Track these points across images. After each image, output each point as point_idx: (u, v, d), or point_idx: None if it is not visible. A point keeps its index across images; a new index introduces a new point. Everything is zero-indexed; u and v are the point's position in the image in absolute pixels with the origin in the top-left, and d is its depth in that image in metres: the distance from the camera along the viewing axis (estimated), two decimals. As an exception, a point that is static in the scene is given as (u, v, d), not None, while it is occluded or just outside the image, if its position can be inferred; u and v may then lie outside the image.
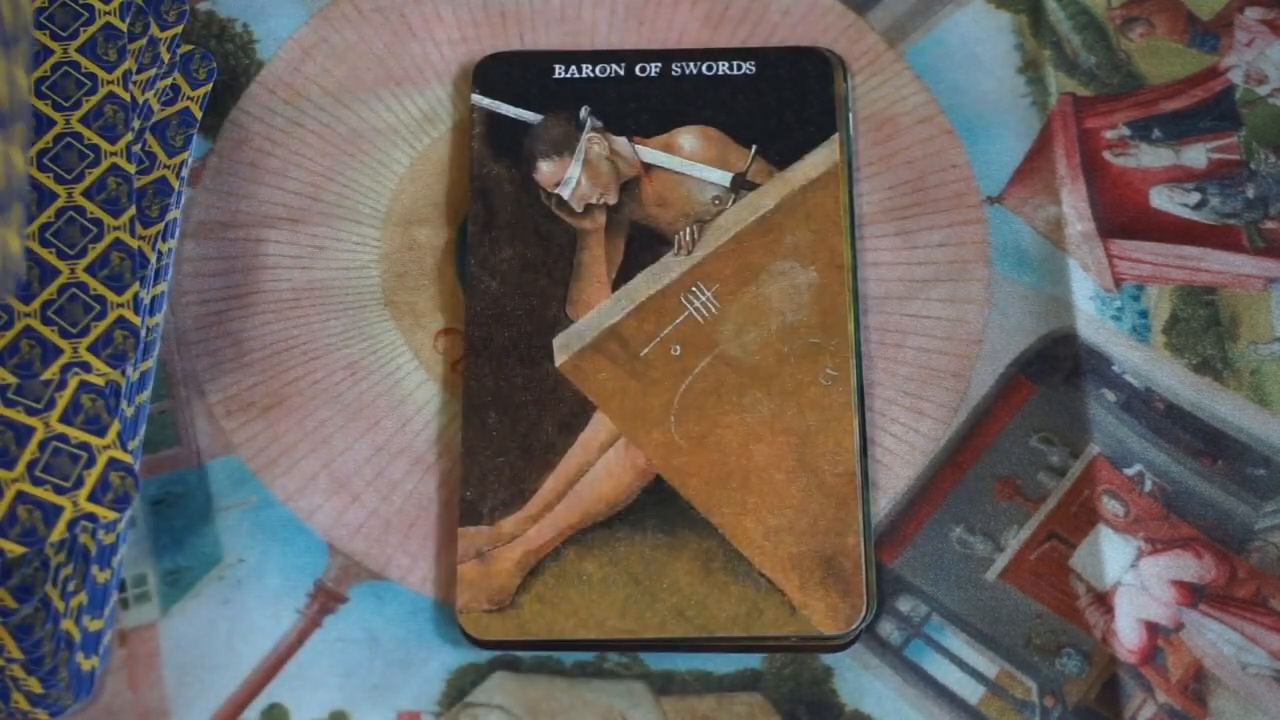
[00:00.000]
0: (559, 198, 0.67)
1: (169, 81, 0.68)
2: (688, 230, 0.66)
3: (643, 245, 0.66)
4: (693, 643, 0.61)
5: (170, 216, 0.65)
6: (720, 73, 0.70)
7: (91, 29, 0.64)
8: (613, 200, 0.67)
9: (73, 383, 0.56)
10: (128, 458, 0.55)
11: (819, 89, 0.69)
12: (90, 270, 0.59)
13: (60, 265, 0.59)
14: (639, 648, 0.61)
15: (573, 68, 0.70)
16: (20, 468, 0.54)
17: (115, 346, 0.58)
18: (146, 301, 0.63)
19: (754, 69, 0.70)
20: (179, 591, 0.62)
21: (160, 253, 0.64)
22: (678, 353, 0.64)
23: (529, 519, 0.62)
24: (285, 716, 0.61)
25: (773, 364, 0.64)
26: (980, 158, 0.70)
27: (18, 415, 0.55)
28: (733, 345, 0.64)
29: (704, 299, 0.65)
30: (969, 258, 0.68)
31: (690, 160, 0.68)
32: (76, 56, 0.63)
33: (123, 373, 0.57)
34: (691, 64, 0.70)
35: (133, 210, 0.61)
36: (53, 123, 0.62)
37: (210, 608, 0.62)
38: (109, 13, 0.65)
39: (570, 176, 0.67)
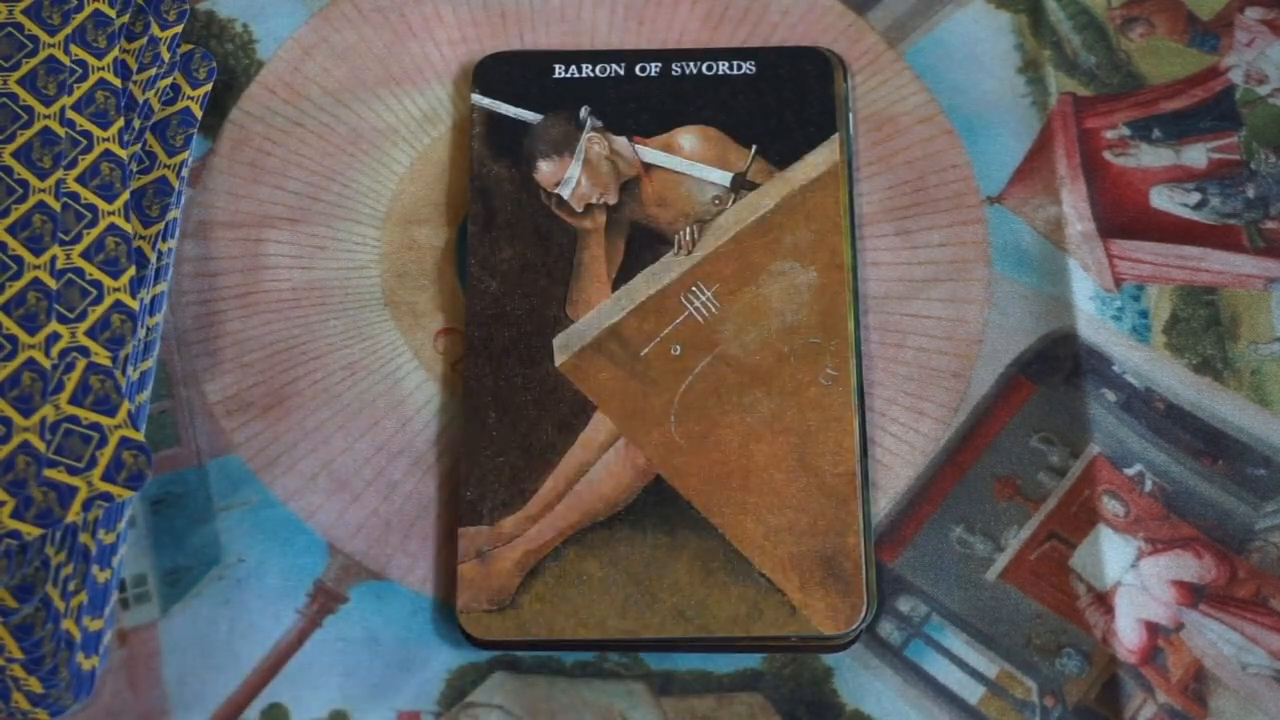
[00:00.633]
0: (559, 197, 0.67)
1: (169, 81, 0.68)
2: (688, 230, 0.66)
3: (643, 245, 0.66)
4: (693, 643, 0.61)
5: (170, 216, 0.65)
6: (720, 73, 0.70)
7: (81, 16, 0.65)
8: (613, 200, 0.67)
9: (79, 365, 0.56)
10: (139, 436, 0.55)
11: (819, 89, 0.69)
12: (86, 255, 0.59)
13: (57, 251, 0.59)
14: (639, 648, 0.61)
15: (573, 68, 0.70)
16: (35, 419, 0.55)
17: (113, 331, 0.58)
18: (146, 301, 0.63)
19: (754, 69, 0.70)
20: (179, 591, 0.62)
21: (160, 252, 0.64)
22: (678, 352, 0.64)
23: (529, 519, 0.62)
24: (285, 716, 0.61)
25: (773, 364, 0.64)
26: (980, 158, 0.70)
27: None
28: (733, 345, 0.64)
29: (704, 299, 0.65)
30: (969, 258, 0.68)
31: (690, 160, 0.68)
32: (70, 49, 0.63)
33: (117, 357, 0.57)
34: (691, 64, 0.70)
35: (126, 195, 0.61)
36: (44, 113, 0.62)
37: (210, 608, 0.62)
38: (98, 1, 0.65)
39: (570, 176, 0.67)
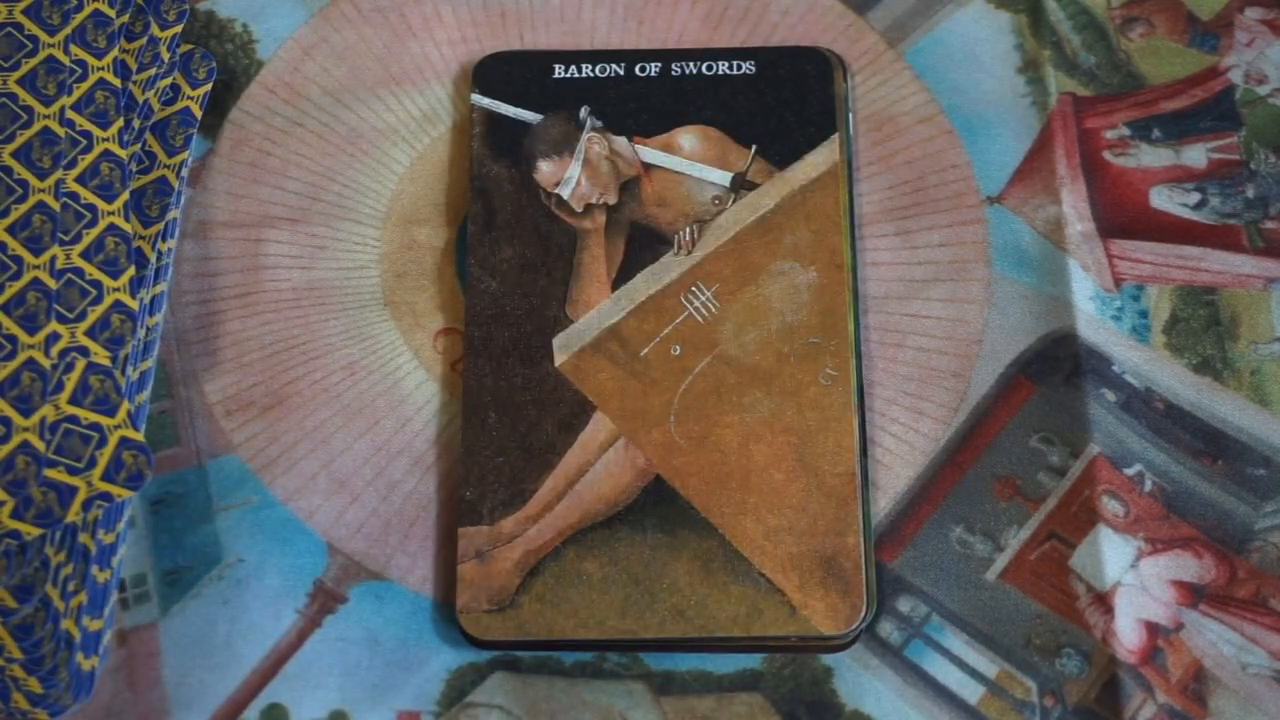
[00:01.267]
0: (559, 197, 0.67)
1: (169, 81, 0.68)
2: (687, 230, 0.66)
3: (643, 245, 0.66)
4: (693, 643, 0.61)
5: (170, 216, 0.65)
6: (720, 72, 0.70)
7: (80, 16, 0.65)
8: (612, 200, 0.67)
9: (79, 365, 0.56)
10: (139, 436, 0.55)
11: (819, 89, 0.69)
12: (85, 255, 0.59)
13: (56, 251, 0.59)
14: (639, 648, 0.61)
15: (573, 68, 0.70)
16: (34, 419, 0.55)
17: (113, 331, 0.58)
18: (146, 301, 0.63)
19: (754, 69, 0.70)
20: (179, 591, 0.62)
21: (160, 252, 0.64)
22: (677, 352, 0.64)
23: (529, 519, 0.62)
24: (285, 716, 0.61)
25: (773, 364, 0.64)
26: (980, 158, 0.70)
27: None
28: (732, 345, 0.64)
29: (704, 299, 0.65)
30: (969, 258, 0.68)
31: (690, 160, 0.68)
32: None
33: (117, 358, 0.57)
34: (691, 64, 0.70)
35: (126, 195, 0.61)
36: (44, 113, 0.62)
37: (210, 608, 0.62)
38: (98, 1, 0.65)
39: (570, 176, 0.67)
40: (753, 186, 0.67)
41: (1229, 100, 0.71)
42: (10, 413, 0.55)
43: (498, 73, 0.70)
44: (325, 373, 0.66)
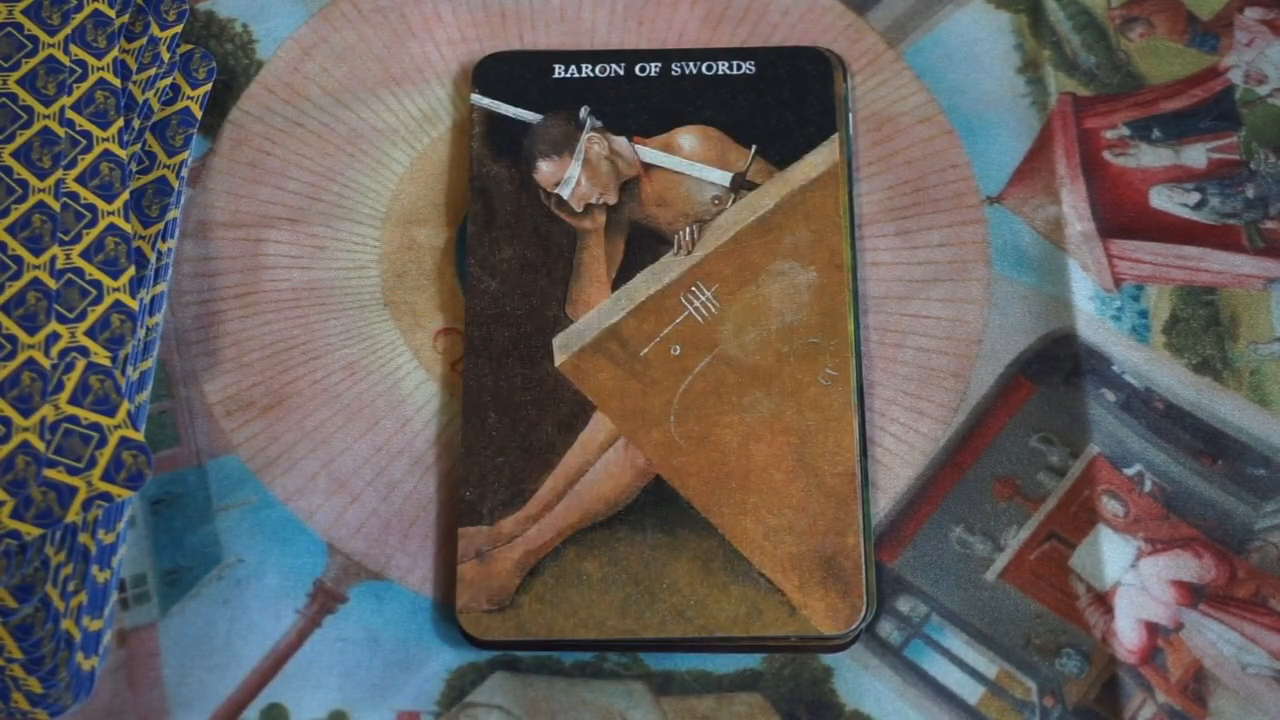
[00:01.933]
0: (559, 197, 0.67)
1: (169, 81, 0.68)
2: (687, 230, 0.66)
3: (642, 245, 0.66)
4: (693, 643, 0.61)
5: (170, 216, 0.65)
6: (720, 72, 0.70)
7: (80, 16, 0.65)
8: (612, 200, 0.67)
9: (79, 365, 0.56)
10: (139, 436, 0.55)
11: (819, 89, 0.69)
12: (85, 255, 0.59)
13: (56, 251, 0.59)
14: (639, 648, 0.61)
15: (572, 68, 0.70)
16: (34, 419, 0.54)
17: (113, 331, 0.58)
18: (146, 301, 0.63)
19: (754, 69, 0.70)
20: (179, 591, 0.62)
21: (160, 252, 0.64)
22: (677, 352, 0.64)
23: (529, 519, 0.62)
24: (285, 716, 0.61)
25: (772, 364, 0.64)
26: (980, 158, 0.70)
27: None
28: (732, 345, 0.64)
29: (704, 299, 0.65)
30: (969, 258, 0.68)
31: (690, 160, 0.68)
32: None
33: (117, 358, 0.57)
34: (691, 64, 0.70)
35: (126, 195, 0.61)
36: (44, 113, 0.62)
37: (210, 608, 0.62)
38: (98, 1, 0.65)
39: (570, 176, 0.67)
40: (753, 186, 0.67)
41: (1229, 100, 0.71)
42: (10, 413, 0.55)
43: (498, 73, 0.70)
44: (325, 373, 0.66)
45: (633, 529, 0.62)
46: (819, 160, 0.68)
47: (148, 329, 0.63)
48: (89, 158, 0.62)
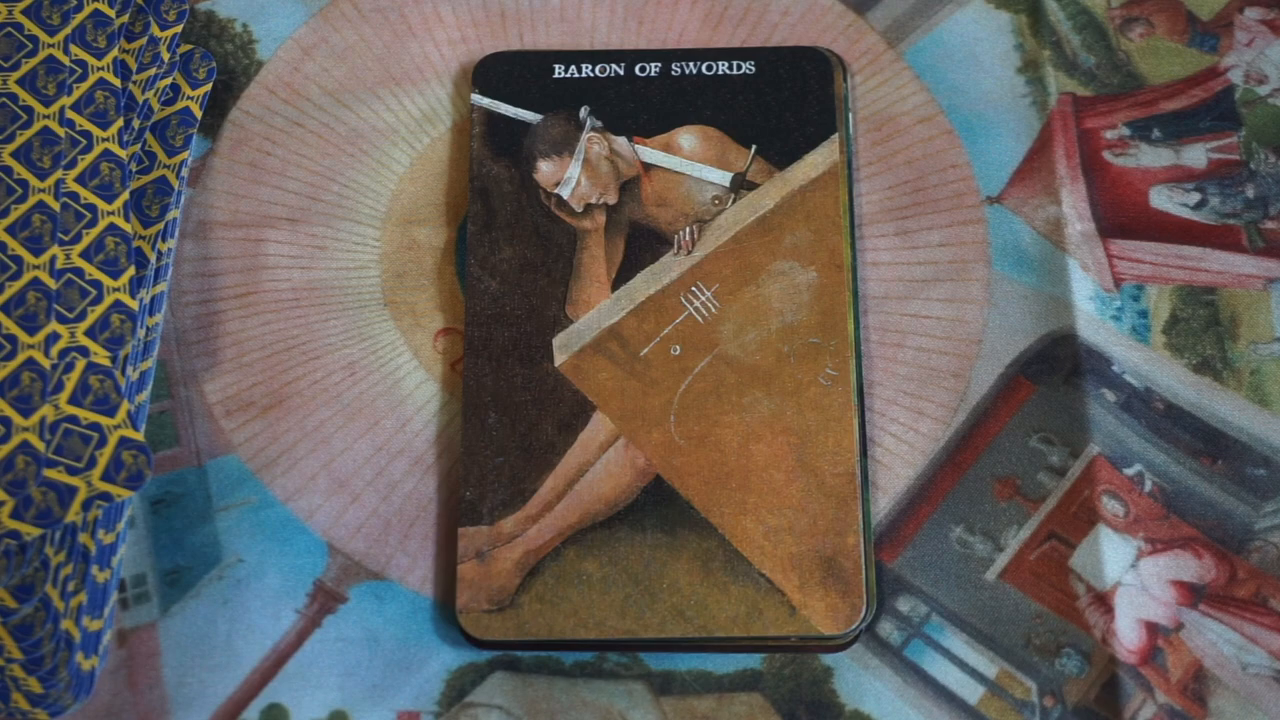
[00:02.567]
0: (559, 197, 0.67)
1: (169, 81, 0.68)
2: (687, 230, 0.66)
3: (642, 245, 0.66)
4: (693, 643, 0.61)
5: (170, 216, 0.65)
6: (720, 73, 0.70)
7: (80, 16, 0.65)
8: (612, 200, 0.67)
9: (79, 365, 0.56)
10: (139, 436, 0.55)
11: (819, 89, 0.69)
12: (85, 255, 0.59)
13: (56, 251, 0.59)
14: (639, 648, 0.61)
15: (573, 68, 0.70)
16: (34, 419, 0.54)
17: (112, 331, 0.58)
18: (146, 301, 0.63)
19: (754, 69, 0.70)
20: (179, 591, 0.62)
21: (160, 252, 0.64)
22: (677, 352, 0.64)
23: (529, 519, 0.62)
24: (285, 716, 0.61)
25: (772, 364, 0.64)
26: (980, 158, 0.70)
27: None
28: (732, 345, 0.64)
29: (704, 299, 0.65)
30: (969, 258, 0.68)
31: (690, 160, 0.68)
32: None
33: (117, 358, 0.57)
34: (691, 64, 0.70)
35: (126, 195, 0.61)
36: (44, 113, 0.62)
37: (210, 608, 0.62)
38: (98, 1, 0.65)
39: (570, 176, 0.67)
40: (753, 186, 0.67)
41: (1229, 100, 0.71)
42: (10, 413, 0.55)
43: (498, 73, 0.70)
44: (325, 373, 0.66)
45: (633, 529, 0.62)
46: (819, 160, 0.68)
47: (148, 329, 0.63)
48: (89, 158, 0.62)
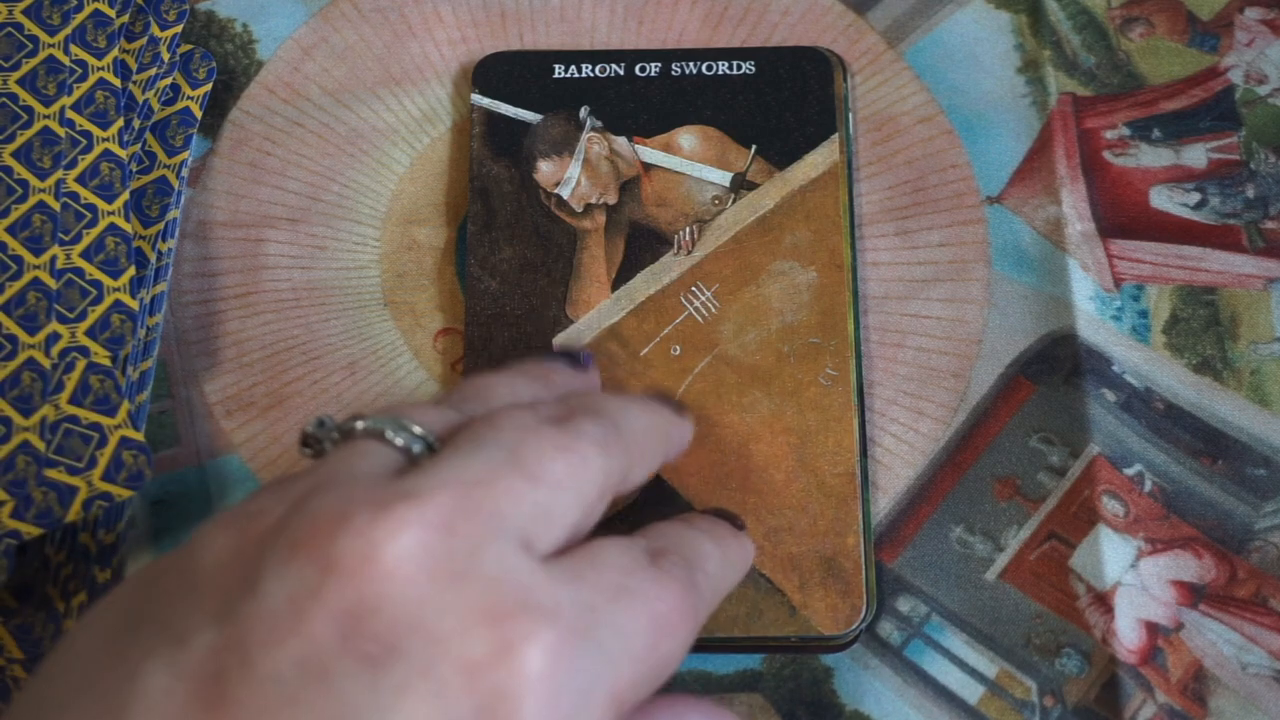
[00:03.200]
0: (559, 197, 0.67)
1: (169, 81, 0.68)
2: (687, 230, 0.66)
3: (642, 245, 0.66)
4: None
5: (170, 216, 0.65)
6: (720, 73, 0.70)
7: (80, 16, 0.65)
8: (612, 200, 0.67)
9: (79, 365, 0.56)
10: (139, 436, 0.55)
11: (819, 89, 0.69)
12: (86, 255, 0.59)
13: (56, 251, 0.59)
14: (639, 648, 0.61)
15: (573, 68, 0.70)
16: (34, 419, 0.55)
17: (113, 331, 0.58)
18: (146, 301, 0.63)
19: (754, 69, 0.70)
20: (179, 591, 0.62)
21: (160, 252, 0.64)
22: (677, 353, 0.64)
23: (529, 519, 0.62)
24: (284, 716, 0.61)
25: (772, 364, 0.64)
26: (980, 158, 0.70)
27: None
28: (732, 345, 0.64)
29: (704, 299, 0.65)
30: (969, 258, 0.68)
31: (690, 160, 0.68)
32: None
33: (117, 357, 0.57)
34: (691, 64, 0.70)
35: (126, 195, 0.61)
36: (44, 113, 0.62)
37: (210, 608, 0.62)
38: (98, 1, 0.65)
39: (570, 176, 0.67)
40: (753, 186, 0.67)
41: (1229, 100, 0.71)
42: (10, 413, 0.55)
43: (498, 73, 0.70)
44: (326, 373, 0.66)
45: (632, 529, 0.62)
46: (819, 160, 0.68)
47: (148, 329, 0.64)
48: (89, 158, 0.62)
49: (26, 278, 0.58)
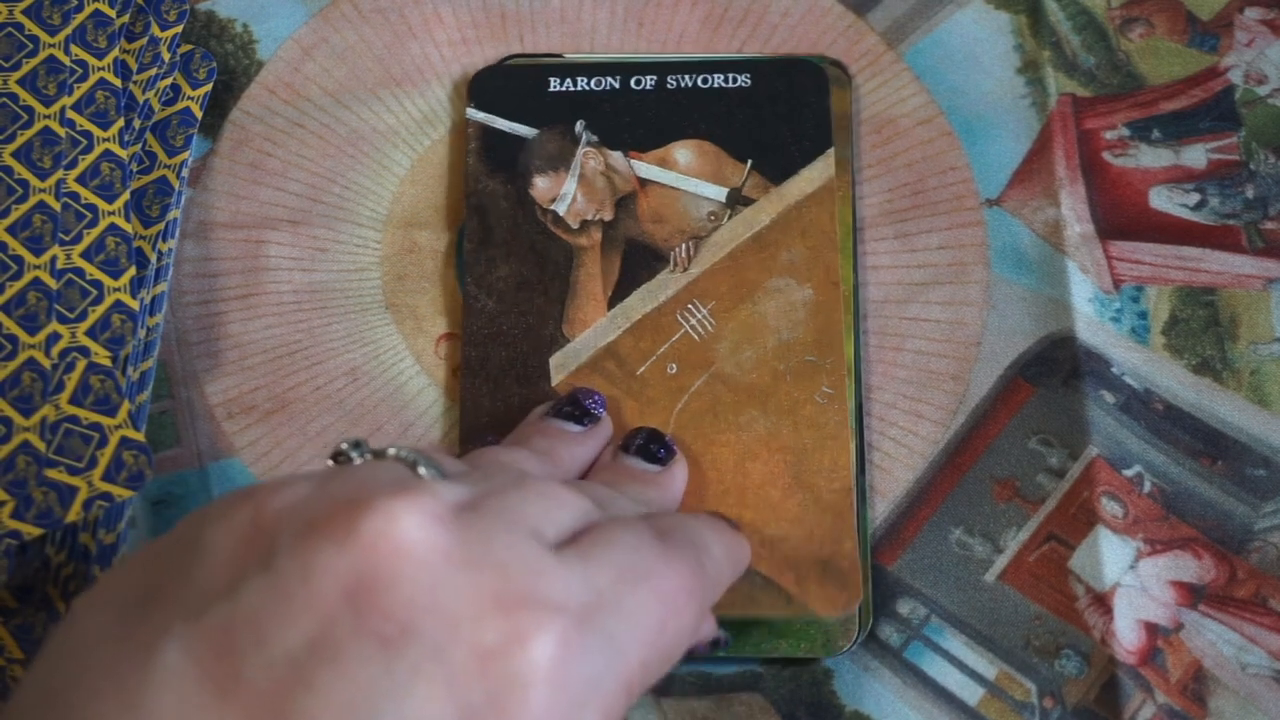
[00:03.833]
0: (555, 213, 0.67)
1: (169, 81, 0.68)
2: (683, 246, 0.66)
3: (638, 262, 0.66)
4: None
5: (170, 216, 0.65)
6: (715, 86, 0.69)
7: (81, 16, 0.65)
8: (608, 216, 0.67)
9: (80, 365, 0.56)
10: (140, 436, 0.55)
11: (814, 102, 0.69)
12: (86, 255, 0.59)
13: (57, 251, 0.59)
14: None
15: (568, 81, 0.70)
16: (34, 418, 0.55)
17: (113, 331, 0.58)
18: (147, 301, 0.63)
19: (749, 81, 0.69)
20: (180, 593, 0.62)
21: (160, 253, 0.65)
22: (674, 371, 0.64)
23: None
24: (285, 719, 0.61)
25: (768, 382, 0.64)
26: (979, 159, 0.70)
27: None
28: (728, 363, 0.64)
29: (700, 316, 0.65)
30: (968, 260, 0.68)
31: (686, 175, 0.68)
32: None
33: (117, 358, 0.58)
34: (687, 76, 0.69)
35: (126, 195, 0.61)
36: (44, 113, 0.62)
37: (210, 610, 0.62)
38: (99, 1, 0.65)
39: (566, 192, 0.67)
40: (749, 202, 0.67)
41: (1229, 100, 0.71)
42: (11, 413, 0.55)
43: (493, 87, 0.70)
44: (328, 378, 0.66)
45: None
46: (814, 175, 0.67)
47: (148, 329, 0.64)
48: (89, 158, 0.62)
49: (27, 278, 0.58)
